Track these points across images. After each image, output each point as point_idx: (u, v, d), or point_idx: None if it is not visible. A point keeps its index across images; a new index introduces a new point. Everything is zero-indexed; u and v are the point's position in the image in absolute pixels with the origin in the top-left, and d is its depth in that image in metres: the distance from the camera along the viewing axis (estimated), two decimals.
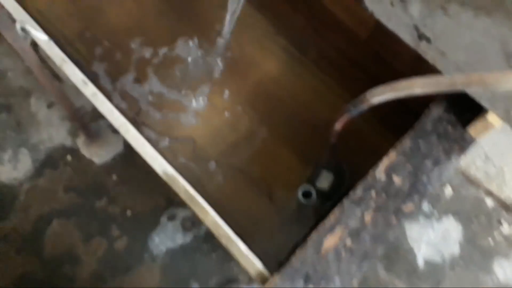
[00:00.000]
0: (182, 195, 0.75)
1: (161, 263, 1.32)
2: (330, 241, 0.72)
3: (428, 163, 0.79)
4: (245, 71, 1.17)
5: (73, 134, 1.40)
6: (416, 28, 0.75)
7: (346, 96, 1.15)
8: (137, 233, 1.34)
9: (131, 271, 1.31)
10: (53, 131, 1.41)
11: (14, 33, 0.83)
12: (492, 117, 0.76)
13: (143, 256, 1.32)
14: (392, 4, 0.76)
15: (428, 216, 1.45)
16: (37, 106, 1.44)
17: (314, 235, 0.72)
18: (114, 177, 1.38)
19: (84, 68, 1.12)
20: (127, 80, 1.07)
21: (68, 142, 1.40)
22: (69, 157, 1.39)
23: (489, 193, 1.46)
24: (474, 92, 0.75)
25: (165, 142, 1.03)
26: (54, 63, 0.84)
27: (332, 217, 0.74)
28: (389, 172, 0.78)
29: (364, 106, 0.74)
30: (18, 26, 0.84)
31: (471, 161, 1.46)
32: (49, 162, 1.38)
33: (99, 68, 1.09)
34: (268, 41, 1.18)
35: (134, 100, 1.05)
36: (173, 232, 1.34)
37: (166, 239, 1.34)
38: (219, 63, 1.16)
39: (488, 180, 1.44)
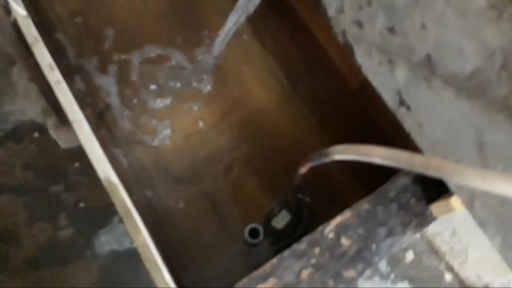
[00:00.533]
0: (118, 207, 0.71)
1: (101, 263, 1.26)
2: None
3: (382, 232, 0.75)
4: (233, 90, 1.14)
5: (46, 113, 1.35)
6: (399, 93, 0.73)
7: (325, 140, 1.13)
8: (85, 227, 1.29)
9: (68, 265, 1.25)
10: (27, 105, 1.37)
11: None
12: (455, 201, 0.73)
13: (85, 252, 1.27)
14: (380, 63, 0.73)
15: (384, 277, 1.41)
16: (19, 76, 1.40)
17: (245, 281, 0.68)
18: (76, 165, 1.33)
19: (66, 53, 1.09)
20: (106, 76, 1.04)
21: (39, 119, 1.36)
22: (36, 134, 1.34)
23: (450, 269, 1.42)
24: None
25: (125, 145, 1.00)
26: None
27: (268, 266, 0.70)
28: (338, 232, 0.74)
29: (326, 159, 0.71)
30: None
31: (438, 231, 1.43)
32: (15, 135, 1.34)
33: (82, 56, 1.06)
34: (262, 66, 1.16)
35: (105, 95, 1.01)
36: (122, 235, 1.29)
37: (112, 240, 1.28)
38: (208, 76, 1.13)
39: (452, 255, 1.41)
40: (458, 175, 0.46)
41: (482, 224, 0.71)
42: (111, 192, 0.72)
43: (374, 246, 0.74)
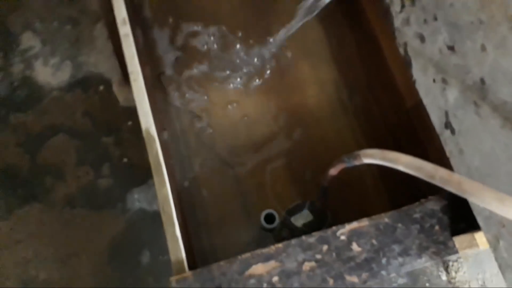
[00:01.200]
0: (151, 159, 0.75)
1: (128, 217, 1.33)
2: (258, 269, 0.70)
3: (396, 248, 0.74)
4: (289, 85, 1.16)
5: (115, 70, 1.45)
6: (447, 114, 0.71)
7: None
8: (123, 181, 1.37)
9: (100, 211, 1.34)
10: (101, 60, 1.48)
11: None
12: (479, 237, 0.70)
13: (117, 204, 1.34)
14: (434, 80, 0.72)
15: None
16: (100, 32, 1.51)
17: (246, 256, 0.70)
18: (130, 123, 1.42)
19: (142, 14, 1.17)
20: (172, 46, 1.10)
21: (107, 75, 1.46)
22: (101, 88, 1.45)
23: None
24: (474, 204, 0.70)
25: (175, 111, 1.05)
26: None
27: (273, 248, 0.72)
28: (351, 237, 0.74)
29: (356, 162, 0.71)
30: None
31: (468, 279, 1.36)
32: (83, 83, 1.45)
33: (156, 22, 1.13)
34: (324, 69, 1.16)
35: (168, 63, 1.08)
36: (153, 197, 1.35)
37: (144, 199, 1.35)
38: (266, 67, 1.16)
39: None
40: (476, 195, 0.46)
41: (503, 267, 0.67)
42: (148, 144, 0.77)
43: (384, 260, 0.73)
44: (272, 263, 0.71)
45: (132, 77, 0.80)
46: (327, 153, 1.09)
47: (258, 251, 0.71)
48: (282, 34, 1.02)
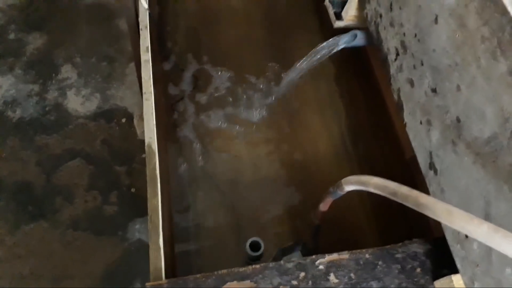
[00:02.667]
0: (148, 171, 0.80)
1: (126, 247, 1.36)
2: (232, 286, 0.70)
3: (374, 285, 0.74)
4: (297, 127, 1.22)
5: (139, 106, 1.56)
6: (430, 155, 0.74)
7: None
8: (127, 210, 1.41)
9: (100, 236, 1.37)
10: (127, 95, 1.60)
11: None
12: (456, 279, 0.69)
13: (118, 232, 1.38)
14: (421, 122, 0.76)
15: None
16: (131, 71, 1.65)
17: (222, 272, 0.71)
18: (143, 156, 1.49)
19: (165, 43, 1.29)
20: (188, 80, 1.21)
21: (131, 109, 1.57)
22: (123, 120, 1.55)
23: None
24: (452, 245, 0.70)
25: (180, 132, 1.12)
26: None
27: (250, 268, 0.72)
28: (330, 267, 0.74)
29: (340, 191, 0.74)
30: None
31: None
32: (108, 114, 1.56)
33: (175, 54, 1.24)
34: (332, 116, 1.22)
35: (182, 90, 1.17)
36: None
37: (144, 231, 1.38)
38: (274, 106, 1.23)
39: None
40: (429, 207, 0.48)
41: None
42: (148, 157, 0.83)
43: None
44: (247, 283, 0.71)
45: (145, 97, 0.88)
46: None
47: (235, 269, 0.72)
48: (290, 78, 1.09)
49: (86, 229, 1.38)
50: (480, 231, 0.43)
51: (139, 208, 1.43)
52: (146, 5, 1.01)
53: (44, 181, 1.44)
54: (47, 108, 1.57)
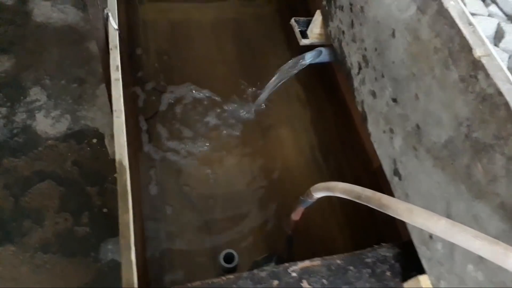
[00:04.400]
0: (119, 187, 0.80)
1: (99, 267, 1.32)
2: None
3: None
4: (268, 141, 1.24)
5: (110, 126, 1.55)
6: (394, 162, 0.78)
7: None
8: (100, 231, 1.38)
9: (72, 258, 1.33)
10: (98, 116, 1.59)
11: (98, 13, 1.02)
12: (424, 280, 0.72)
13: (90, 253, 1.34)
14: (384, 131, 0.80)
15: None
16: (102, 92, 1.64)
17: (196, 284, 0.71)
18: (115, 175, 1.47)
19: (135, 63, 1.30)
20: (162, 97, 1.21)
21: (102, 130, 1.56)
22: (94, 141, 1.53)
23: None
24: (418, 247, 0.73)
25: (154, 154, 1.12)
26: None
27: (224, 279, 0.73)
28: (303, 274, 0.76)
29: (310, 199, 0.76)
30: (106, 10, 1.04)
31: None
32: (78, 135, 1.54)
33: (148, 71, 1.25)
34: (302, 131, 1.26)
35: (154, 108, 1.18)
36: None
37: (117, 251, 1.35)
38: (247, 121, 1.25)
39: None
40: (391, 207, 0.50)
41: None
42: (119, 173, 0.83)
43: None
44: None
45: (115, 115, 0.89)
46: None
47: (209, 281, 0.73)
48: (262, 96, 1.12)
49: (57, 252, 1.34)
50: (439, 226, 0.46)
51: (112, 228, 1.40)
52: (115, 26, 1.02)
53: (12, 205, 1.40)
54: (15, 131, 1.54)
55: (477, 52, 0.54)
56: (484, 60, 0.53)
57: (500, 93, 0.51)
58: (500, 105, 0.51)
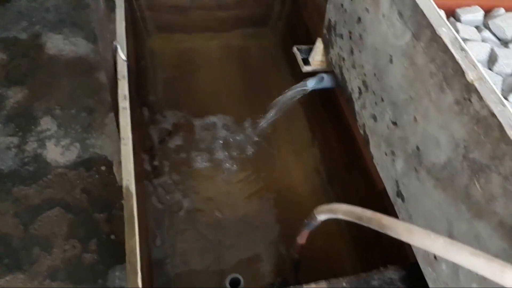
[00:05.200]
0: (125, 212, 0.82)
1: None
2: None
3: None
4: (274, 166, 1.26)
5: (119, 153, 1.58)
6: (397, 183, 0.79)
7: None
8: (108, 258, 1.39)
9: (80, 285, 1.34)
10: (107, 144, 1.62)
11: (108, 46, 1.07)
12: None
13: (97, 280, 1.35)
14: (386, 154, 0.81)
15: None
16: (111, 121, 1.68)
17: None
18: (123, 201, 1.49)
19: (143, 93, 1.34)
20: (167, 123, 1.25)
21: (111, 157, 1.59)
22: (103, 168, 1.56)
23: None
24: (424, 268, 0.73)
25: (163, 183, 1.14)
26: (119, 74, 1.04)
27: None
28: None
29: (314, 222, 0.77)
30: (114, 43, 1.09)
31: None
32: (87, 163, 1.57)
33: (154, 103, 1.29)
34: (308, 155, 1.27)
35: (157, 133, 1.20)
36: None
37: (125, 278, 1.36)
38: (252, 148, 1.28)
39: None
40: (392, 228, 0.51)
41: None
42: (125, 198, 0.85)
43: None
44: None
45: (123, 142, 0.91)
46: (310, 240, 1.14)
47: None
48: (263, 122, 1.15)
49: (65, 279, 1.35)
50: (437, 245, 0.47)
51: (119, 255, 1.41)
52: (124, 57, 1.07)
53: (22, 232, 1.42)
54: (25, 160, 1.57)
55: (470, 75, 0.56)
56: (476, 84, 0.55)
57: (493, 115, 0.52)
58: (494, 126, 0.52)
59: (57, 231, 1.43)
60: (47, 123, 1.67)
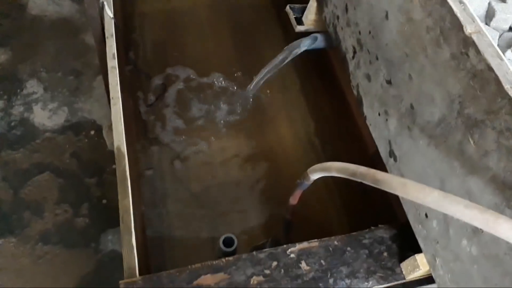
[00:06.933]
0: (118, 173, 0.81)
1: (100, 258, 1.34)
2: (206, 279, 0.72)
3: (344, 270, 0.77)
4: (265, 129, 1.25)
5: (108, 118, 1.56)
6: (390, 143, 0.79)
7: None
8: (99, 221, 1.39)
9: (72, 249, 1.34)
10: (95, 107, 1.59)
11: (94, 3, 1.03)
12: (420, 259, 0.73)
13: (91, 243, 1.36)
14: (379, 114, 0.81)
15: None
16: (99, 84, 1.64)
17: (196, 266, 0.73)
18: (114, 166, 1.48)
19: (134, 53, 1.30)
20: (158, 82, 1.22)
21: (100, 121, 1.57)
22: (92, 132, 1.54)
23: None
24: (414, 226, 0.74)
25: (154, 142, 1.13)
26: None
27: (224, 260, 0.74)
28: (301, 255, 0.77)
29: (307, 181, 0.77)
30: (101, 0, 1.04)
31: None
32: (76, 127, 1.54)
33: (145, 60, 1.26)
34: (299, 120, 1.26)
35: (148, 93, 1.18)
36: None
37: (117, 241, 1.37)
38: (244, 109, 1.26)
39: None
40: (386, 182, 0.51)
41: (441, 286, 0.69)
42: (117, 159, 0.84)
43: (331, 280, 0.75)
44: (220, 275, 0.73)
45: (112, 102, 0.89)
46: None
47: (209, 262, 0.74)
48: (256, 81, 1.13)
49: (57, 243, 1.35)
50: (431, 198, 0.47)
51: (111, 219, 1.41)
52: (111, 14, 1.03)
53: (12, 197, 1.41)
54: (12, 124, 1.54)
55: (468, 29, 0.55)
56: (474, 37, 0.54)
57: (490, 69, 0.52)
58: (490, 80, 0.52)
59: (48, 196, 1.42)
60: (33, 86, 1.63)
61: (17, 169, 1.45)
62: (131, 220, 0.77)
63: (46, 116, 1.57)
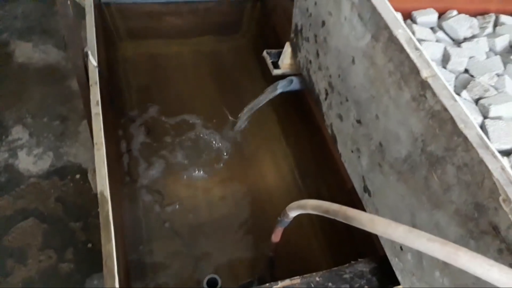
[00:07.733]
0: (101, 218, 0.83)
1: None
2: None
3: None
4: (247, 166, 1.28)
5: (93, 161, 1.57)
6: (364, 179, 0.82)
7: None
8: (85, 267, 1.38)
9: None
10: (81, 152, 1.61)
11: (79, 52, 1.07)
12: None
13: None
14: (352, 151, 0.84)
15: None
16: (84, 128, 1.67)
17: None
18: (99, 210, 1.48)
19: (116, 99, 1.34)
20: (140, 130, 1.25)
21: (85, 165, 1.58)
22: (77, 176, 1.55)
23: None
24: (392, 259, 0.76)
25: (139, 188, 1.15)
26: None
27: None
28: None
29: (286, 218, 0.79)
30: (85, 49, 1.09)
31: None
32: (61, 172, 1.56)
33: (127, 107, 1.30)
34: (281, 155, 1.30)
35: (134, 143, 1.21)
36: None
37: (103, 285, 1.35)
38: (227, 149, 1.30)
39: None
40: (356, 219, 0.54)
41: None
42: (101, 204, 0.85)
43: None
44: None
45: (96, 147, 0.92)
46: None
47: None
48: (238, 124, 1.17)
49: None
50: (398, 233, 0.50)
51: (97, 263, 1.40)
52: (95, 63, 1.07)
53: None
54: None
55: (424, 73, 0.60)
56: (430, 80, 0.59)
57: (445, 109, 0.56)
58: (447, 119, 0.56)
59: (32, 242, 1.41)
60: (18, 132, 1.65)
61: (1, 216, 1.45)
62: (114, 265, 0.78)
63: (31, 162, 1.58)
